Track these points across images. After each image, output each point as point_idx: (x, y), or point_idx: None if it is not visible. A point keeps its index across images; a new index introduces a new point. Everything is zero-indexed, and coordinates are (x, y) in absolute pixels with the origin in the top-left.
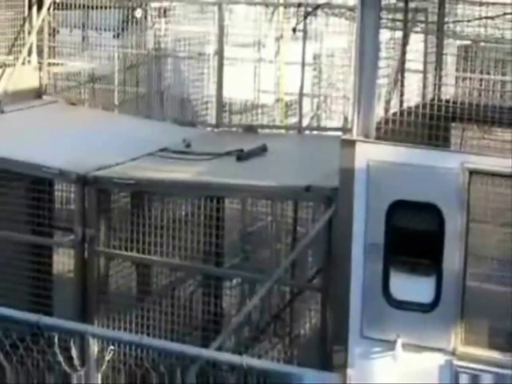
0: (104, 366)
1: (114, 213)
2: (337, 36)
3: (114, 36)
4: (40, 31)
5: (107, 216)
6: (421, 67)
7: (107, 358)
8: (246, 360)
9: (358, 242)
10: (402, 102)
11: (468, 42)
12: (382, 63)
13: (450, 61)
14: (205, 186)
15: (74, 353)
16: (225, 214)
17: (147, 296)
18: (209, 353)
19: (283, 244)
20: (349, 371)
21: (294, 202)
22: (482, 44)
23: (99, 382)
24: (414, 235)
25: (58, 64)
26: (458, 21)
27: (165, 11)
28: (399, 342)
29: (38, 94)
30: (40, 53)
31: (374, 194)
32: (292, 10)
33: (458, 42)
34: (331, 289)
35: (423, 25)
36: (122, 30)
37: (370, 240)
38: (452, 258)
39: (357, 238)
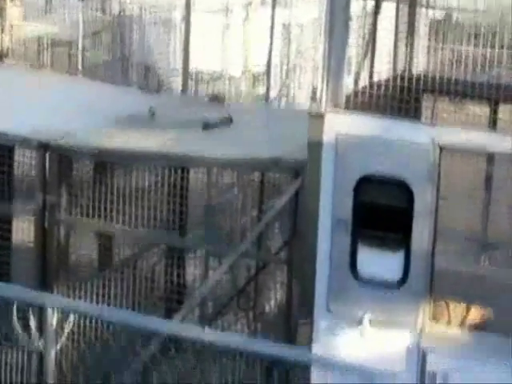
0: (63, 338)
1: (76, 181)
2: (307, 4)
3: None
4: None
5: (69, 184)
6: (392, 38)
7: (66, 329)
8: (208, 334)
9: (325, 217)
10: (372, 74)
11: (441, 13)
12: (352, 33)
13: (422, 32)
14: (169, 156)
15: (33, 323)
16: (189, 185)
17: (109, 267)
18: (171, 325)
19: (249, 216)
20: (314, 346)
21: (261, 174)
22: (455, 15)
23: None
24: (382, 211)
25: (20, 27)
26: None
27: None
28: (366, 317)
29: None
30: (1, 15)
31: (342, 168)
32: None
33: (431, 13)
34: (297, 262)
35: None
36: None
37: (338, 215)
38: (421, 234)
39: (324, 212)
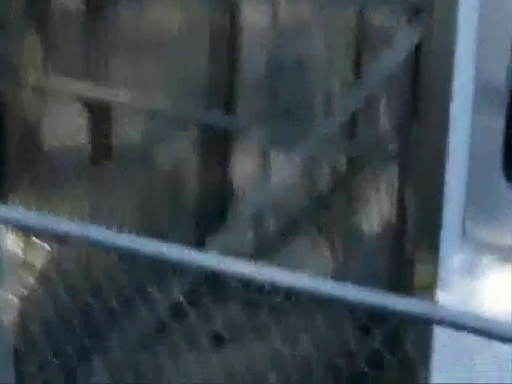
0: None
1: (56, 19)
2: None
3: None
4: None
5: (42, 23)
6: None
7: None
8: (264, 272)
9: (463, 85)
10: None
11: None
12: None
13: None
14: None
15: None
16: (243, 31)
17: (105, 159)
18: (205, 257)
19: (337, 81)
20: (439, 293)
21: (359, 13)
22: None
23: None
24: None
25: None
26: None
27: None
28: None
29: None
30: None
31: (494, 7)
32: None
33: None
34: (415, 160)
35: None
36: None
37: (486, 81)
38: None
39: (461, 77)
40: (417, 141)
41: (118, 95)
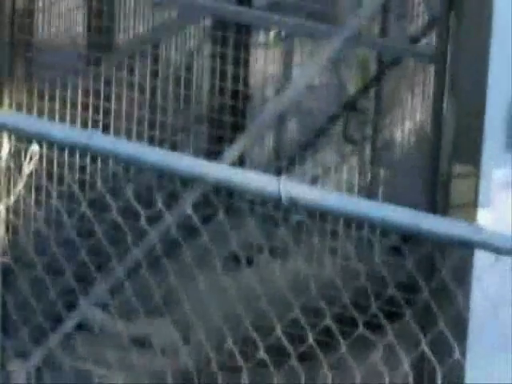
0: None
1: None
2: None
3: None
4: None
5: None
6: None
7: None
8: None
9: None
10: None
11: None
12: None
13: None
14: None
15: None
16: None
17: (108, 50)
18: (219, 170)
19: None
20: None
21: None
22: None
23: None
24: None
25: None
26: None
27: None
28: None
29: None
30: None
31: None
32: None
33: None
34: (453, 58)
35: None
36: None
37: None
38: None
39: None
40: (455, 37)
41: None
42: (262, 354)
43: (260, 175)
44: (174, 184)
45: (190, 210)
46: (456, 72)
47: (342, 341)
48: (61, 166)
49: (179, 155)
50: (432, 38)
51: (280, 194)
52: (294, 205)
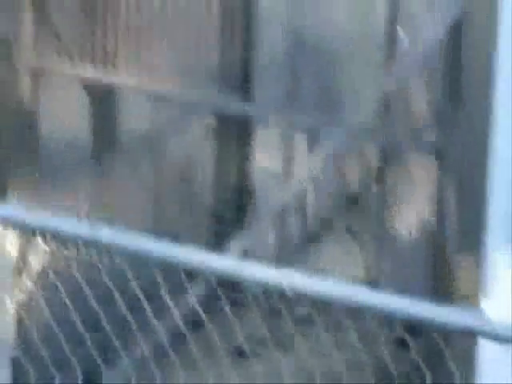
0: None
1: None
2: None
3: None
4: None
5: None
6: None
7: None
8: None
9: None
10: None
11: None
12: None
13: None
14: None
15: None
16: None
17: (110, 147)
18: (224, 262)
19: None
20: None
21: None
22: None
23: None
24: None
25: None
26: None
27: None
28: None
29: None
30: None
31: None
32: None
33: None
34: (455, 151)
35: None
36: None
37: None
38: None
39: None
40: (457, 130)
41: (122, 78)
42: None
43: (264, 267)
44: (180, 277)
45: (195, 303)
46: (458, 163)
47: None
48: (67, 260)
49: (185, 248)
50: (435, 133)
51: (284, 286)
52: (298, 296)
